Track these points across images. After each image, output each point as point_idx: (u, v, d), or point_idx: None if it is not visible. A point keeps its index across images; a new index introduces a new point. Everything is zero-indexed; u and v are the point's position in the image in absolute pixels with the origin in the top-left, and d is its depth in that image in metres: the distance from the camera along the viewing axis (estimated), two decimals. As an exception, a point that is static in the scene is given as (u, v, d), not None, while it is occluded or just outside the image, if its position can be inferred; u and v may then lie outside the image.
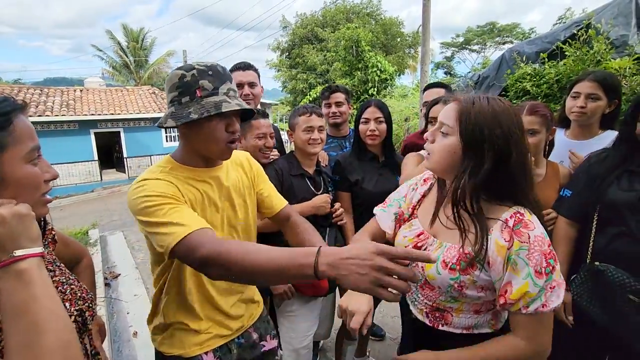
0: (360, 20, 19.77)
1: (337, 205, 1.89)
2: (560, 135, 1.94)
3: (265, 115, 1.84)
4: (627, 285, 1.31)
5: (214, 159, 1.16)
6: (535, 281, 0.86)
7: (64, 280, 0.84)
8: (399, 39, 21.36)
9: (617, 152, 1.47)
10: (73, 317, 0.79)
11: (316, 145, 1.79)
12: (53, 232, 0.95)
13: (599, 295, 1.41)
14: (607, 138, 1.78)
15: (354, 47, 13.28)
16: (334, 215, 1.86)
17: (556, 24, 13.88)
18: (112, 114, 14.26)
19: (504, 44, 25.84)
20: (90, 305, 0.85)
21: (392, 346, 2.74)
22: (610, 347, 1.50)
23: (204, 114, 1.00)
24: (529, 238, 0.87)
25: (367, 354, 2.50)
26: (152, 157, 14.89)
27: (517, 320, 0.91)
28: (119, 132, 14.83)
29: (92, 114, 13.90)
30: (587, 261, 1.46)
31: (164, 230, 0.92)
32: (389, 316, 2.97)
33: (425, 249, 1.03)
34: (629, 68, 4.81)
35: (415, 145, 2.31)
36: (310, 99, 16.16)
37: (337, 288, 2.03)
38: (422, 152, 1.88)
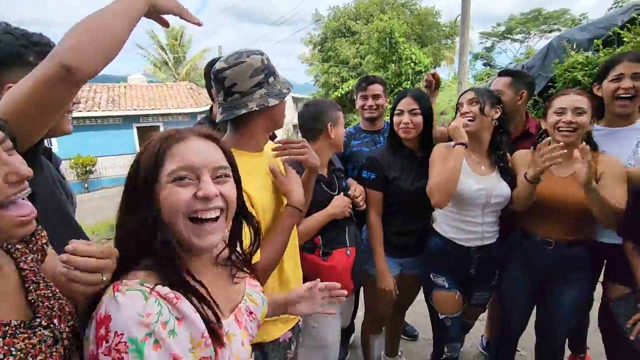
0: (395, 11, 19.21)
1: (357, 197, 1.78)
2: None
3: None
4: None
5: (266, 142, 1.28)
6: None
7: (50, 295, 0.73)
8: (435, 30, 20.55)
9: None
10: (65, 335, 0.69)
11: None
12: (44, 241, 0.81)
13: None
14: None
15: (387, 39, 12.95)
16: (357, 206, 1.78)
17: (611, 8, 12.74)
18: (153, 109, 14.92)
19: (550, 32, 24.11)
20: (76, 320, 0.76)
21: (425, 347, 2.67)
22: None
23: (290, 88, 1.19)
24: None
25: (400, 353, 2.44)
26: (189, 150, 15.42)
27: None
28: (158, 126, 15.51)
29: (135, 109, 14.63)
30: None
31: None
32: (422, 315, 2.88)
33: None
34: None
35: None
36: (343, 92, 16.00)
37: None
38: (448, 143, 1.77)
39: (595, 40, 5.53)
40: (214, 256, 0.87)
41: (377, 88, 2.26)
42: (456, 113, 1.78)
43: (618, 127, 1.68)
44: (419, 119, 1.80)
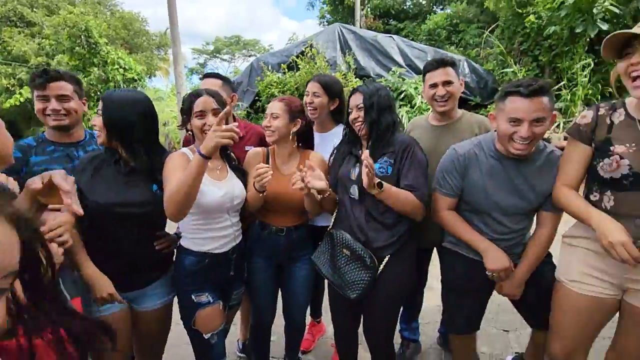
0: (89, 7, 16.52)
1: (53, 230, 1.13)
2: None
3: None
4: (344, 241, 1.63)
5: None
6: None
7: None
8: (144, 38, 19.45)
9: (345, 141, 1.80)
10: None
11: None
12: None
13: (329, 255, 1.71)
14: (339, 130, 2.08)
15: (83, 37, 10.83)
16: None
17: (288, 42, 16.69)
18: None
19: (249, 56, 28.75)
20: None
21: None
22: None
23: None
24: None
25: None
26: None
27: None
28: None
29: None
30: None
31: None
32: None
33: None
34: (371, 80, 6.31)
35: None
36: (22, 99, 12.05)
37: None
38: (185, 149, 1.62)
39: (282, 65, 6.96)
40: None
41: (63, 87, 1.65)
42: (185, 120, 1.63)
43: (320, 132, 2.10)
44: (101, 120, 1.48)
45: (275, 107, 1.76)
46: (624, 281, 1.31)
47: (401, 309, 2.10)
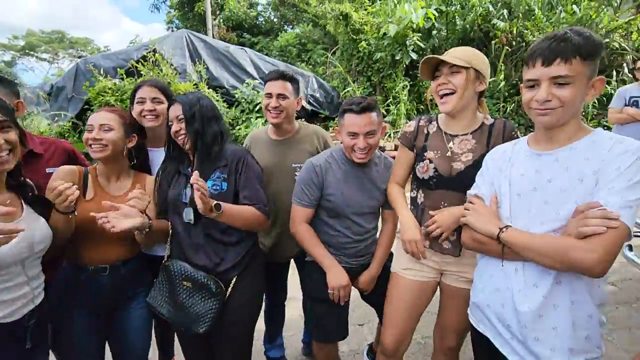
0: None
1: None
2: None
3: None
4: (183, 272, 1.45)
5: None
6: None
7: None
8: None
9: (169, 157, 1.58)
10: None
11: None
12: None
13: (167, 292, 1.49)
14: None
15: None
16: None
17: (129, 46, 14.77)
18: None
19: (79, 57, 24.16)
20: None
21: None
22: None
23: None
24: None
25: None
26: None
27: None
28: None
29: None
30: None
31: None
32: None
33: None
34: (190, 91, 5.92)
35: None
36: None
37: None
38: None
39: (119, 70, 6.04)
40: None
41: None
42: None
43: (153, 148, 1.77)
44: None
45: (106, 117, 1.46)
46: (442, 265, 1.56)
47: (263, 328, 2.00)
